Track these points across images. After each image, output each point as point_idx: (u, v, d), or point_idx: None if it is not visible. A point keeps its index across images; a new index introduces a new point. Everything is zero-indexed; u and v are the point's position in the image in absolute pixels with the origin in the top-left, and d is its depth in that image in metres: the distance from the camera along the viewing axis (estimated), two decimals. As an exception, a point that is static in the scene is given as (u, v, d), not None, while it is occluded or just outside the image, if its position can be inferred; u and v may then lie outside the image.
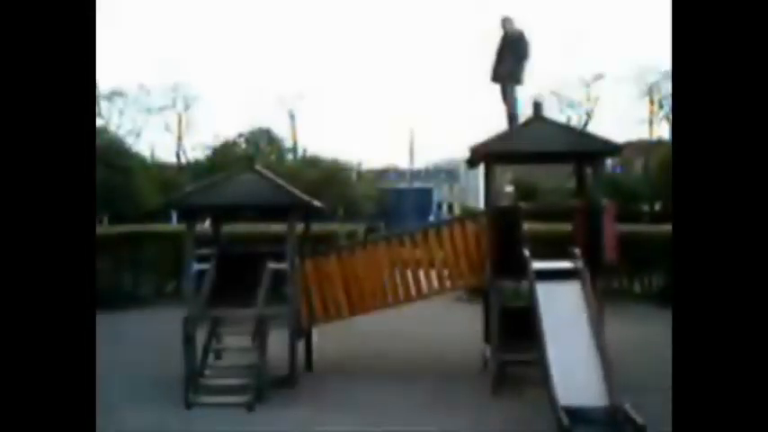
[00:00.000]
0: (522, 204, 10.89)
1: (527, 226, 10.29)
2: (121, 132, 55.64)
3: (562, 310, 8.98)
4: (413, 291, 10.81)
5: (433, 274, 10.78)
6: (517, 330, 9.52)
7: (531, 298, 9.15)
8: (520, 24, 12.12)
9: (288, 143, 63.17)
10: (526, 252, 9.75)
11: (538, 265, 9.55)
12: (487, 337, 10.67)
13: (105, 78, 60.57)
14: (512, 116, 11.93)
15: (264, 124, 60.81)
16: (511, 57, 11.95)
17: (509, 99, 11.99)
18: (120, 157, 40.80)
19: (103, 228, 30.32)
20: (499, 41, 12.11)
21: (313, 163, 55.12)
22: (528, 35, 12.02)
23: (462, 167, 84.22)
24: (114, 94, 56.78)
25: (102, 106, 53.50)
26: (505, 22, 12.07)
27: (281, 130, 62.79)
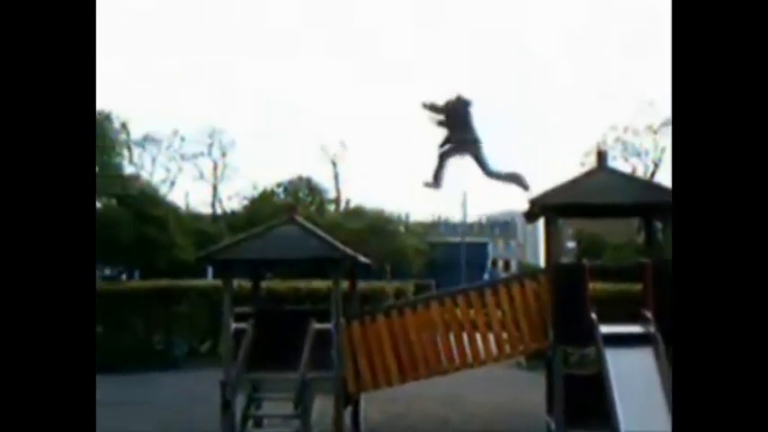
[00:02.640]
0: (587, 262, 10.78)
1: (592, 286, 10.20)
2: (154, 181, 56.61)
3: (634, 379, 8.83)
4: (469, 356, 10.69)
5: (491, 337, 10.68)
6: (584, 401, 9.37)
7: (601, 365, 9.02)
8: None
9: (330, 194, 63.54)
10: (592, 315, 9.64)
11: (605, 329, 9.43)
12: (551, 408, 10.50)
13: (138, 123, 61.66)
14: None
15: (305, 173, 61.39)
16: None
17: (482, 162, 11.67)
18: (153, 207, 41.45)
19: (135, 282, 30.77)
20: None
21: (357, 215, 55.27)
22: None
23: (519, 221, 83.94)
24: (147, 141, 57.86)
25: (135, 153, 54.47)
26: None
27: (323, 180, 63.25)
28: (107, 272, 45.66)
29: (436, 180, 11.51)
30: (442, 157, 11.47)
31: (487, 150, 11.42)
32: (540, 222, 11.13)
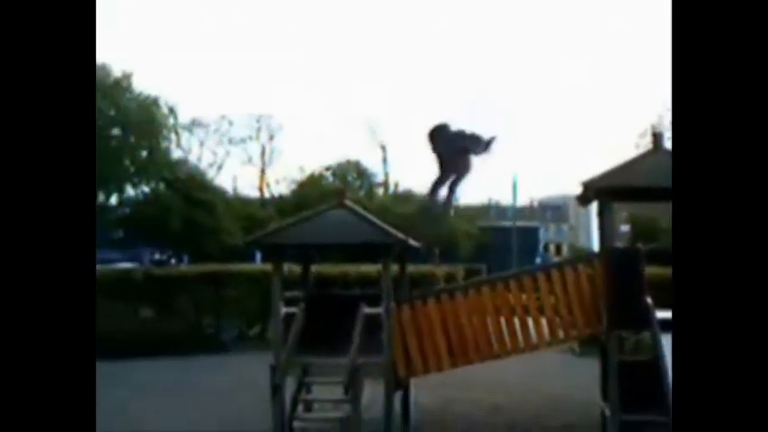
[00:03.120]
0: (642, 246, 10.68)
1: (648, 270, 10.11)
2: (202, 165, 57.20)
3: (691, 364, 8.74)
4: (521, 341, 10.67)
5: (543, 322, 10.65)
6: (639, 387, 9.32)
7: (656, 351, 8.96)
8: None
9: (378, 177, 63.54)
10: (648, 299, 9.57)
11: (662, 314, 9.35)
12: (605, 394, 10.47)
13: (186, 107, 62.34)
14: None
15: (353, 157, 61.47)
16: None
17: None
18: (202, 191, 41.98)
19: (185, 267, 31.26)
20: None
21: (406, 198, 55.24)
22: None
23: (571, 204, 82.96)
24: (195, 125, 58.39)
25: (183, 137, 54.96)
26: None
27: (371, 164, 63.26)
28: (156, 256, 46.44)
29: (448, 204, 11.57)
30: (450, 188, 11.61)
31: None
32: (594, 206, 11.05)
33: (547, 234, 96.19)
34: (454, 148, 11.27)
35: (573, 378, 14.32)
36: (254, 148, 62.72)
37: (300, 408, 10.73)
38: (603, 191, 10.31)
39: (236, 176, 67.91)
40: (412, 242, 11.46)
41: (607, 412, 10.17)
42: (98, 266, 26.75)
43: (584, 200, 11.15)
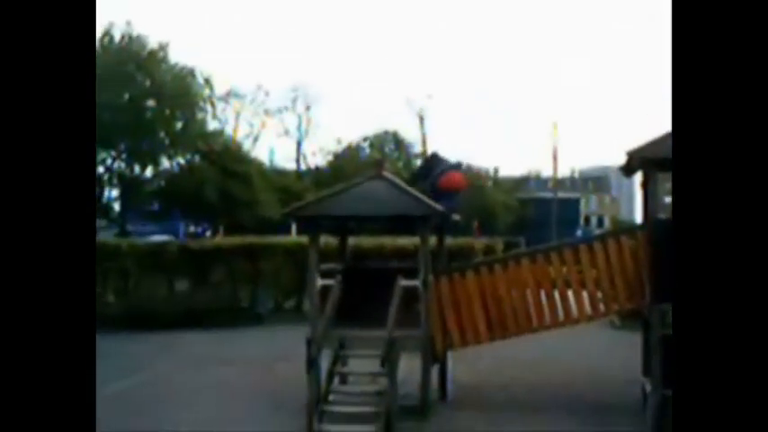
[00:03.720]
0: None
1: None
2: (239, 136, 57.33)
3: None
4: (561, 314, 10.60)
5: (585, 295, 10.55)
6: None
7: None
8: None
9: (416, 148, 63.23)
10: (694, 273, 9.41)
11: (707, 287, 9.21)
12: (647, 369, 10.37)
13: (221, 78, 62.39)
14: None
15: (391, 127, 61.23)
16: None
17: None
18: (238, 163, 42.14)
19: (221, 239, 31.45)
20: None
21: (444, 170, 54.93)
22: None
23: (613, 175, 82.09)
24: (231, 95, 58.36)
25: (218, 108, 54.84)
26: None
27: (409, 134, 62.98)
28: (191, 228, 46.82)
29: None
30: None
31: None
32: (636, 177, 10.88)
33: (588, 206, 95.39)
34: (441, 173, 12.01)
35: (613, 352, 14.22)
36: (290, 120, 62.80)
37: (336, 381, 10.74)
38: (649, 161, 10.13)
39: (274, 148, 67.93)
40: (454, 216, 11.40)
41: (648, 387, 10.07)
42: (133, 239, 26.94)
43: (628, 170, 10.98)
